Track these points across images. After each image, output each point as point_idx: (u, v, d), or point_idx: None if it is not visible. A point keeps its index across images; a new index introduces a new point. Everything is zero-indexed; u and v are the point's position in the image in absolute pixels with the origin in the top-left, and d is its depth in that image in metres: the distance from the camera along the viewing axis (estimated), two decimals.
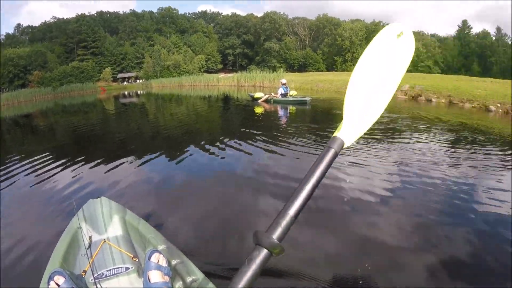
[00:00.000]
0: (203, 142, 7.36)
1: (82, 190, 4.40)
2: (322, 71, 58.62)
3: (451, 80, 22.32)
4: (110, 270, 1.78)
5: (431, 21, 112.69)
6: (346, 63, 65.14)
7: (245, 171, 5.13)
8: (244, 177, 4.83)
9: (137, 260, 1.90)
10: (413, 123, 10.25)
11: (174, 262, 1.89)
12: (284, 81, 16.01)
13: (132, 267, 1.81)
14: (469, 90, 17.72)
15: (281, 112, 13.38)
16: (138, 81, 60.46)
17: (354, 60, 65.09)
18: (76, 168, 5.52)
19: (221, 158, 5.98)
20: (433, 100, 17.80)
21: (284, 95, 15.44)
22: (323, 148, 0.76)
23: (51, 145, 8.36)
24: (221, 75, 43.88)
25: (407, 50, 0.99)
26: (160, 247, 1.96)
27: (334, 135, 0.81)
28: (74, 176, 5.05)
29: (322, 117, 12.48)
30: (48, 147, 7.99)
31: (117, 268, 1.79)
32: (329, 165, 0.73)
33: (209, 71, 62.44)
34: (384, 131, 8.62)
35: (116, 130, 10.41)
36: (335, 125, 6.15)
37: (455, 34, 65.64)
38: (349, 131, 0.84)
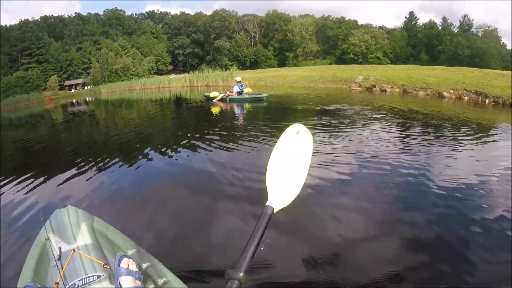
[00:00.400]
0: (160, 145, 7.22)
1: (46, 201, 4.31)
2: (274, 67, 58.47)
3: (402, 70, 23.08)
4: (82, 279, 1.74)
5: (378, 14, 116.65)
6: (297, 58, 65.87)
7: (206, 171, 5.12)
8: (206, 177, 4.84)
9: (108, 267, 1.87)
10: (370, 113, 10.47)
11: (144, 265, 1.91)
12: (239, 78, 15.65)
13: (103, 275, 1.79)
14: (421, 78, 18.48)
15: (237, 111, 13.14)
16: (86, 87, 56.95)
17: (306, 54, 66.75)
18: (33, 182, 5.20)
19: (180, 160, 5.95)
20: (388, 90, 18.13)
21: (240, 93, 15.16)
22: None
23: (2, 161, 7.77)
24: (172, 76, 42.95)
25: (307, 142, 1.39)
26: (130, 252, 1.98)
27: (266, 204, 1.13)
28: (34, 189, 4.86)
29: (278, 113, 12.44)
30: None
31: (89, 277, 1.77)
32: (266, 226, 1.04)
33: (159, 72, 60.57)
34: (344, 122, 8.77)
35: (67, 141, 9.71)
36: (291, 119, 9.29)
37: (402, 26, 68.13)
38: (275, 202, 1.14)
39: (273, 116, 11.59)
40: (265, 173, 1.30)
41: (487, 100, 13.81)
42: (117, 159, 6.20)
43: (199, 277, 2.50)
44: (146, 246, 2.16)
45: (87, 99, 33.51)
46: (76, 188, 4.72)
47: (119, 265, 1.72)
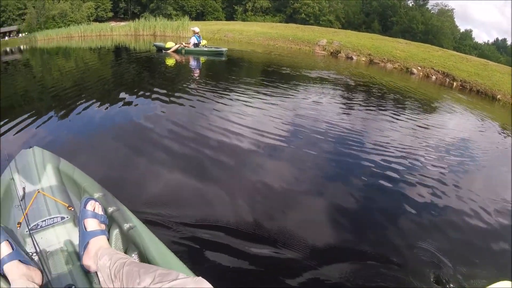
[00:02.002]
0: (115, 96, 6.93)
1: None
2: (221, 20, 55.72)
3: (366, 38, 22.94)
4: (45, 220, 1.75)
5: None
6: (246, 13, 63.09)
7: (165, 122, 5.14)
8: (162, 128, 4.84)
9: (72, 209, 1.89)
10: (339, 79, 10.76)
11: (110, 209, 1.87)
12: (197, 29, 14.35)
13: (68, 217, 1.81)
14: (388, 50, 18.48)
15: (194, 63, 11.85)
16: (20, 35, 51.10)
17: (255, 10, 64.21)
18: None
19: (137, 108, 5.91)
20: (354, 57, 17.59)
21: (197, 45, 13.78)
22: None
23: None
24: (112, 23, 38.88)
25: None
26: (96, 195, 1.94)
27: None
28: None
29: (241, 69, 12.12)
30: None
31: (53, 218, 1.78)
32: None
33: (98, 20, 54.91)
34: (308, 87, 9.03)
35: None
36: (256, 76, 9.62)
37: None
38: None
39: (235, 72, 11.12)
40: None
41: (454, 83, 14.09)
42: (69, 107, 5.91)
43: (164, 223, 2.56)
44: (111, 190, 2.09)
45: (22, 47, 29.59)
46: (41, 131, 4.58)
47: (84, 207, 1.71)
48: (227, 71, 10.98)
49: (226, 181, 3.37)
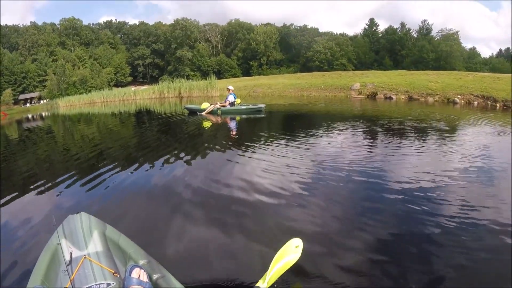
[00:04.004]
0: (154, 159, 6.69)
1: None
2: (238, 76, 57.12)
3: (395, 76, 22.57)
4: (91, 286, 1.75)
5: (328, 22, 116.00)
6: (262, 67, 64.97)
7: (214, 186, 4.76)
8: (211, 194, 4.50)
9: (118, 275, 1.88)
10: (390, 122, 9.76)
11: (155, 276, 1.91)
12: (231, 87, 13.51)
13: (113, 283, 1.79)
14: (423, 84, 18.17)
15: (232, 124, 11.29)
16: (42, 101, 51.59)
17: (270, 63, 66.32)
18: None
19: (173, 172, 5.67)
20: (393, 97, 16.92)
21: (232, 104, 12.98)
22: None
23: None
24: (133, 87, 39.96)
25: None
26: (141, 262, 2.00)
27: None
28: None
29: (286, 124, 11.36)
30: None
31: (99, 284, 1.77)
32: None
33: (118, 84, 57.09)
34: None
35: (26, 161, 8.04)
36: (308, 128, 8.87)
37: (362, 32, 68.90)
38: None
39: (282, 127, 10.40)
40: None
41: (497, 104, 13.73)
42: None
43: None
44: (157, 257, 2.16)
45: (43, 114, 29.79)
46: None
47: (130, 274, 1.74)
48: (274, 127, 10.24)
49: (266, 243, 3.08)
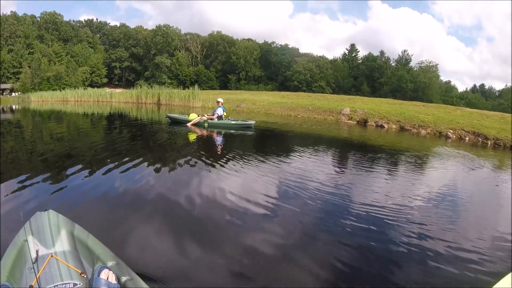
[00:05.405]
0: (128, 162, 6.54)
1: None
2: (215, 89, 56.32)
3: (383, 104, 22.73)
4: (57, 286, 1.70)
5: (306, 43, 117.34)
6: (240, 82, 64.53)
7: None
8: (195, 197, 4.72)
9: (85, 276, 1.83)
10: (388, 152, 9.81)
11: (124, 278, 1.86)
12: (221, 100, 12.69)
13: (80, 283, 1.74)
14: (413, 115, 18.52)
15: (218, 138, 10.90)
16: (13, 94, 48.65)
17: (248, 79, 65.95)
18: None
19: (149, 178, 5.54)
20: (385, 125, 16.66)
21: (221, 117, 12.12)
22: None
23: None
24: (107, 89, 38.74)
25: None
26: (110, 263, 1.94)
27: None
28: None
29: (277, 144, 10.96)
30: None
31: (65, 284, 1.71)
32: None
33: (93, 85, 54.79)
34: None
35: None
36: (299, 149, 9.32)
37: (341, 56, 70.14)
38: None
39: (273, 148, 9.83)
40: None
41: (488, 142, 14.00)
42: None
43: None
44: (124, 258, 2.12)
45: (14, 107, 27.93)
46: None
47: (98, 275, 1.68)
48: (266, 147, 9.77)
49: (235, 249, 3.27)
